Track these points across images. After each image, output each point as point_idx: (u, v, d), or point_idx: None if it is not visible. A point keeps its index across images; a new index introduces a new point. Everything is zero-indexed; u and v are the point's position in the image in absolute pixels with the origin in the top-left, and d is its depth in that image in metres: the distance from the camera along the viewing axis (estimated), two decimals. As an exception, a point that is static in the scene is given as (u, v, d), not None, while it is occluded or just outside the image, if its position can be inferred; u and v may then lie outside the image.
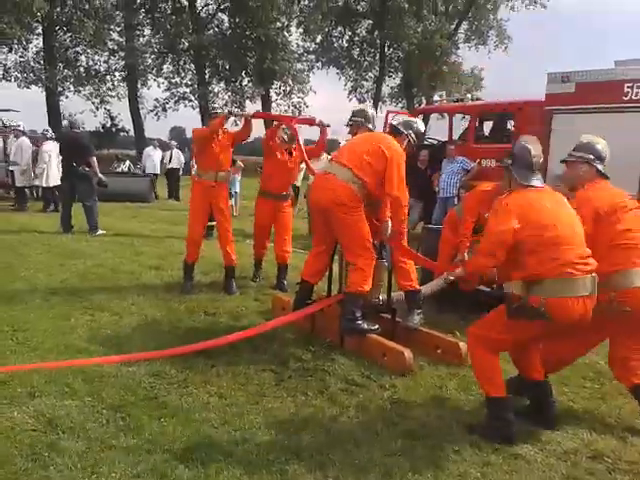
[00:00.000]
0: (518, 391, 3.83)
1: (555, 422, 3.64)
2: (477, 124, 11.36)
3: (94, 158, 10.87)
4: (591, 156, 3.81)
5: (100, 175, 10.96)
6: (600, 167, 3.82)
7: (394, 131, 5.02)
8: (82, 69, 32.10)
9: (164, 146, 18.78)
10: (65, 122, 30.11)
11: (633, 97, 8.07)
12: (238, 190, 14.51)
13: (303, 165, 6.98)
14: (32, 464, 2.91)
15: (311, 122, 6.76)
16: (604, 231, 3.61)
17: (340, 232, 4.71)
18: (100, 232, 10.34)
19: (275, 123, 7.13)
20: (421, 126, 5.16)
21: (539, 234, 3.30)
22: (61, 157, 11.64)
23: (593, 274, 3.31)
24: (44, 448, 3.05)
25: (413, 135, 5.01)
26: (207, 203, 6.65)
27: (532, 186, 3.48)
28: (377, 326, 4.74)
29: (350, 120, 5.42)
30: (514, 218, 3.35)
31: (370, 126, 5.30)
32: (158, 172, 18.17)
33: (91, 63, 32.57)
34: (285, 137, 6.86)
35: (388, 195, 4.67)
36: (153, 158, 17.90)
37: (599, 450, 3.34)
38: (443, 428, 3.54)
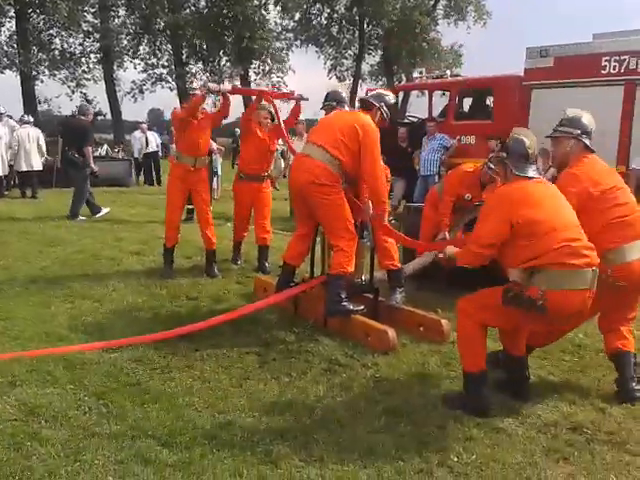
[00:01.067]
0: (495, 363, 3.88)
1: (529, 395, 3.69)
2: (457, 101, 11.35)
3: (89, 148, 10.83)
4: (578, 131, 3.79)
5: (93, 165, 10.87)
6: (587, 142, 3.79)
7: (365, 105, 4.93)
8: (57, 52, 31.45)
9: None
10: (42, 107, 29.69)
11: (611, 70, 8.10)
12: (220, 173, 14.38)
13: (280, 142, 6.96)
14: (14, 454, 2.88)
15: (289, 95, 6.72)
16: (595, 210, 3.62)
17: (320, 214, 4.68)
18: (80, 219, 10.24)
19: (254, 99, 7.04)
20: (392, 98, 5.07)
21: (535, 226, 3.27)
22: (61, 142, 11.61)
23: (594, 268, 3.28)
24: (26, 437, 3.03)
25: (385, 108, 4.90)
26: (185, 187, 6.60)
27: (528, 177, 3.44)
28: (362, 306, 4.75)
29: (324, 103, 5.37)
30: (509, 210, 3.32)
31: (346, 108, 5.25)
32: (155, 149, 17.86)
33: (66, 46, 31.93)
34: (266, 115, 6.77)
35: (364, 175, 4.64)
36: (141, 141, 17.56)
37: (578, 422, 3.39)
38: (426, 404, 3.57)
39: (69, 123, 10.80)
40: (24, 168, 12.91)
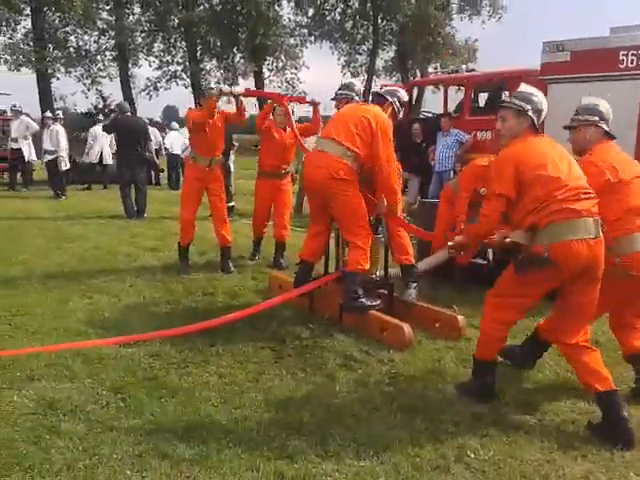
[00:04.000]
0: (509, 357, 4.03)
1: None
2: (472, 96, 11.27)
3: (151, 143, 11.03)
4: (596, 118, 3.75)
5: (157, 161, 11.11)
6: (606, 128, 3.75)
7: (378, 99, 4.97)
8: (72, 50, 31.62)
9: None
10: (58, 105, 29.92)
11: (629, 64, 8.00)
12: (233, 169, 14.37)
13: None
14: (33, 447, 2.92)
15: (302, 100, 6.69)
16: (613, 199, 3.57)
17: (338, 210, 4.67)
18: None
19: (269, 101, 7.05)
20: (404, 95, 5.12)
21: (536, 175, 3.26)
22: (117, 142, 11.63)
23: (595, 217, 3.26)
24: (45, 431, 3.07)
25: (397, 103, 4.98)
26: (201, 186, 6.62)
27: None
28: (379, 301, 4.75)
29: (336, 94, 5.32)
30: (513, 168, 3.31)
31: (357, 98, 5.22)
32: (179, 152, 16.02)
33: (81, 43, 32.05)
34: (280, 112, 6.76)
35: (376, 162, 4.64)
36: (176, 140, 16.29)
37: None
38: (442, 401, 3.57)
39: (125, 122, 10.70)
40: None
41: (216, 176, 6.68)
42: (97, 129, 14.71)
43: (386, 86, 13.25)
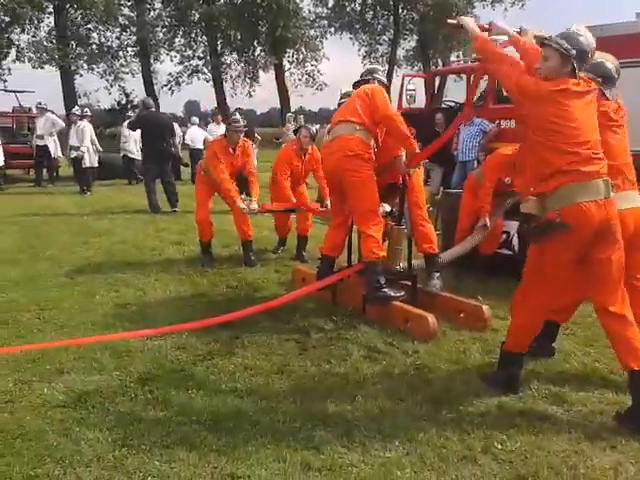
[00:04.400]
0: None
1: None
2: (496, 84, 11.12)
3: (176, 138, 11.24)
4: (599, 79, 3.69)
5: (180, 154, 11.39)
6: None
7: (363, 80, 5.10)
8: (94, 46, 31.96)
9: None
10: (82, 101, 30.29)
11: (656, 50, 7.82)
12: (257, 163, 14.37)
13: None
14: (64, 439, 2.97)
15: (318, 212, 7.02)
16: None
17: (350, 193, 4.67)
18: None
19: (293, 145, 7.04)
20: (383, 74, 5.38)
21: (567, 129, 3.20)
22: (143, 138, 11.67)
23: (605, 177, 3.22)
24: (75, 423, 3.12)
25: (378, 77, 5.15)
26: (212, 187, 6.76)
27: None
28: (403, 292, 4.74)
29: (361, 78, 5.27)
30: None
31: (377, 77, 5.19)
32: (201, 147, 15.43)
33: (103, 40, 32.37)
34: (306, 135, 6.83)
35: (381, 120, 4.72)
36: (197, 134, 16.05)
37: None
38: (468, 392, 3.54)
39: (150, 118, 10.87)
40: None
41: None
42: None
43: (408, 76, 13.20)
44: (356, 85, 5.10)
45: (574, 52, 3.29)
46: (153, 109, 11.44)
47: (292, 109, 33.37)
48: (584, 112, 3.27)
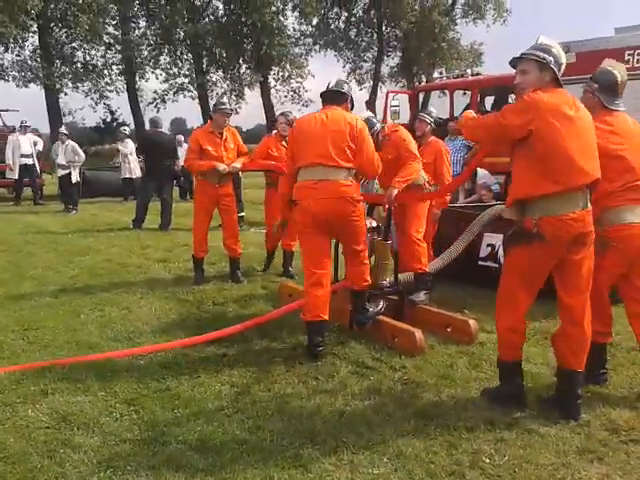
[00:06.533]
0: None
1: None
2: (479, 99, 11.26)
3: (177, 160, 11.47)
4: (595, 85, 3.79)
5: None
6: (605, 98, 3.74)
7: (338, 97, 4.50)
8: (79, 65, 31.91)
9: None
10: (67, 119, 30.25)
11: (635, 64, 7.98)
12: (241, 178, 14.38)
13: None
14: (48, 461, 2.93)
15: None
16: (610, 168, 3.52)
17: (351, 238, 4.52)
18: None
19: (274, 133, 7.09)
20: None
21: (549, 144, 3.21)
22: (144, 156, 11.79)
23: (584, 190, 3.25)
24: (59, 445, 3.08)
25: (351, 94, 4.61)
26: (212, 202, 6.61)
27: (616, 110, 3.58)
28: (381, 304, 4.76)
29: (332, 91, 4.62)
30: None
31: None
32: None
33: (88, 58, 32.25)
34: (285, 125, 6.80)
35: (364, 168, 4.48)
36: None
37: (612, 421, 3.33)
38: (455, 407, 3.54)
39: (156, 138, 10.94)
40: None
41: (227, 192, 6.64)
42: (129, 142, 14.54)
43: (393, 92, 13.29)
44: (327, 99, 4.53)
45: (551, 59, 3.32)
46: (160, 129, 11.44)
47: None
48: (574, 128, 3.27)
